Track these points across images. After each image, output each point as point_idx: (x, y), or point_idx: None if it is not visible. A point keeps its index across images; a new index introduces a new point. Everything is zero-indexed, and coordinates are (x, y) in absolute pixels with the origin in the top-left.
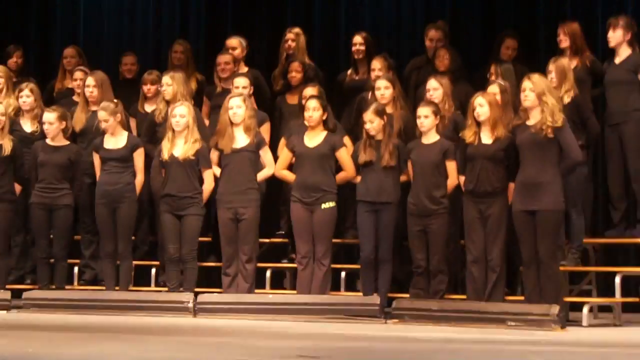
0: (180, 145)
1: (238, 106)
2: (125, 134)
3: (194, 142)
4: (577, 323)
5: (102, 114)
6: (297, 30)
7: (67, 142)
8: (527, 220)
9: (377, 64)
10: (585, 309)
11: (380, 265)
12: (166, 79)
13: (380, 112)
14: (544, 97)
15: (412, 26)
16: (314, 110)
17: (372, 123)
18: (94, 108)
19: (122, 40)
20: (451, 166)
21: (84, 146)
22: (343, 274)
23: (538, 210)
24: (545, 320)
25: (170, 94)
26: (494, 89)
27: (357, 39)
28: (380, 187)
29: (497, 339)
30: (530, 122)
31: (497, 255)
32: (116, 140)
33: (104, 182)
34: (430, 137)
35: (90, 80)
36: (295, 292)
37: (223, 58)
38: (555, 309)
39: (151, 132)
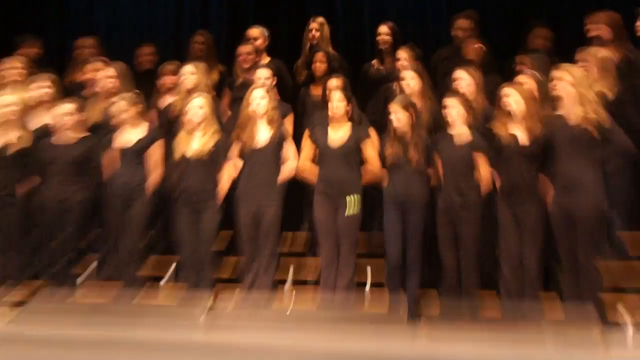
0: (198, 138)
1: (262, 97)
2: (144, 125)
3: (212, 134)
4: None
5: (122, 105)
6: (321, 19)
7: (86, 134)
8: (565, 222)
9: (403, 54)
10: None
11: (409, 267)
12: (189, 68)
13: (406, 105)
14: (581, 88)
15: (439, 15)
16: (338, 102)
17: (396, 114)
18: (113, 99)
19: (138, 31)
20: (482, 160)
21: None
22: (369, 268)
23: (577, 211)
24: (582, 321)
25: (192, 83)
26: (524, 79)
27: (383, 28)
28: (408, 188)
29: (531, 338)
30: (566, 115)
31: (532, 256)
32: (135, 132)
33: (120, 176)
34: (458, 129)
35: (111, 71)
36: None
37: (244, 49)
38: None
39: (169, 125)
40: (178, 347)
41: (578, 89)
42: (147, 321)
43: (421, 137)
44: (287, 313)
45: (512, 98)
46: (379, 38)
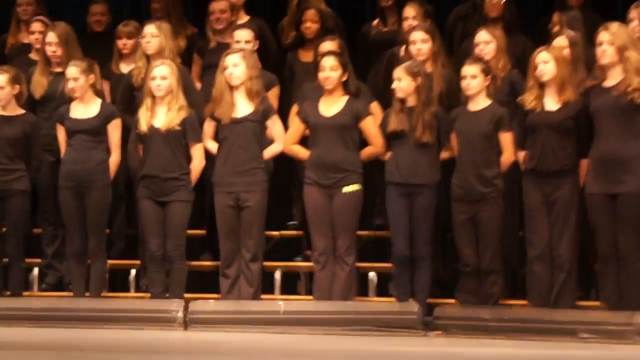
0: (162, 114)
1: (235, 65)
2: (98, 101)
3: (178, 109)
4: None
5: (71, 71)
6: None
7: (22, 112)
8: (605, 206)
9: (410, 10)
10: None
11: (417, 263)
12: (150, 28)
13: (413, 71)
14: (627, 53)
15: None
16: (330, 70)
17: (399, 81)
18: (57, 69)
19: None
20: (506, 138)
21: (44, 116)
22: (372, 274)
23: (620, 193)
24: (627, 331)
25: (155, 47)
26: (561, 41)
27: None
28: (413, 165)
29: (567, 356)
30: (609, 84)
31: (566, 250)
32: (86, 108)
33: (70, 160)
34: (479, 103)
35: (51, 36)
36: (311, 298)
37: (217, 5)
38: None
39: (128, 98)
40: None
41: (621, 51)
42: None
43: (430, 111)
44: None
45: (549, 66)
46: None
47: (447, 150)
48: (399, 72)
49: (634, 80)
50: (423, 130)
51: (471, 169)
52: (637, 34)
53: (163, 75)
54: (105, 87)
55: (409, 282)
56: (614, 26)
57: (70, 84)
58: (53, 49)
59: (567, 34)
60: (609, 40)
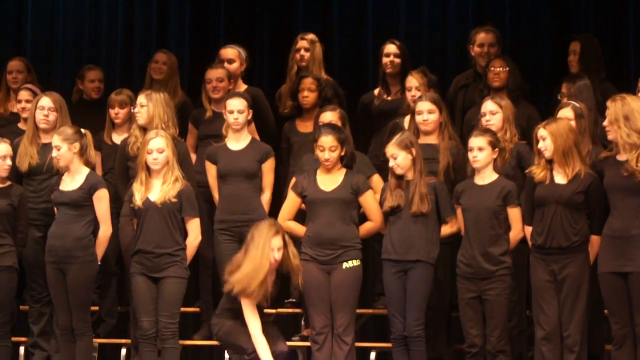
0: (157, 187)
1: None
2: (85, 171)
3: (174, 181)
4: None
5: (55, 139)
6: (311, 36)
7: (9, 183)
8: (618, 285)
9: (414, 80)
10: None
11: (410, 344)
12: (140, 98)
13: (406, 144)
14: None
15: (460, 33)
16: (330, 151)
17: (394, 159)
18: (46, 140)
19: (79, 52)
20: (514, 214)
21: (30, 189)
22: (373, 355)
23: (632, 272)
24: None
25: (144, 118)
26: (567, 113)
27: (391, 48)
28: (408, 241)
29: None
30: (621, 157)
31: (575, 331)
32: (73, 179)
33: (52, 235)
34: (487, 177)
35: (46, 101)
36: None
37: (215, 73)
38: None
39: (124, 167)
40: None
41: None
42: None
43: (426, 181)
44: None
45: (547, 142)
46: (385, 60)
47: (448, 226)
48: (392, 149)
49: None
50: (420, 201)
51: (478, 245)
52: None
53: (160, 148)
54: (97, 158)
55: None
56: (628, 99)
57: (53, 153)
58: (46, 113)
59: (573, 104)
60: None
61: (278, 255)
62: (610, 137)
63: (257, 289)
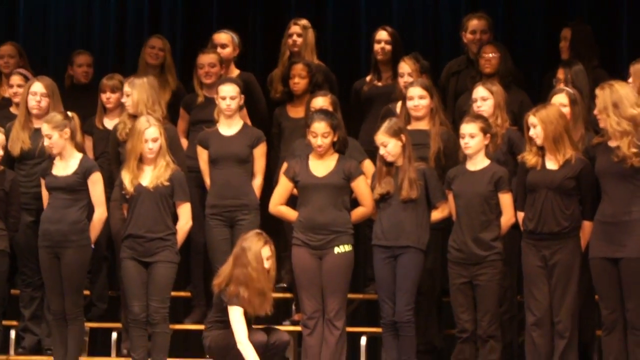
0: (148, 172)
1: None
2: (78, 156)
3: (165, 165)
4: None
5: (44, 128)
6: (304, 22)
7: (0, 168)
8: (608, 271)
9: (406, 66)
10: None
11: (399, 329)
12: (125, 87)
13: (395, 131)
14: (615, 111)
15: (453, 19)
16: (323, 138)
17: (385, 147)
18: (38, 124)
19: (72, 37)
20: (506, 199)
21: (22, 174)
22: (364, 339)
23: (622, 257)
24: None
25: (131, 106)
26: (561, 99)
27: (382, 34)
28: (398, 227)
29: None
30: (612, 144)
31: (566, 316)
32: (66, 164)
33: (46, 220)
34: (478, 162)
35: (38, 86)
36: None
37: (207, 58)
38: None
39: (116, 152)
40: None
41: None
42: None
43: (415, 167)
44: None
45: (538, 130)
46: (377, 47)
47: (438, 211)
48: (382, 138)
49: (631, 144)
50: (409, 187)
51: (469, 231)
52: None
53: (154, 137)
54: (88, 142)
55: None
56: (617, 85)
57: (45, 142)
58: (38, 99)
59: (567, 90)
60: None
61: (268, 264)
62: (601, 124)
63: (267, 305)
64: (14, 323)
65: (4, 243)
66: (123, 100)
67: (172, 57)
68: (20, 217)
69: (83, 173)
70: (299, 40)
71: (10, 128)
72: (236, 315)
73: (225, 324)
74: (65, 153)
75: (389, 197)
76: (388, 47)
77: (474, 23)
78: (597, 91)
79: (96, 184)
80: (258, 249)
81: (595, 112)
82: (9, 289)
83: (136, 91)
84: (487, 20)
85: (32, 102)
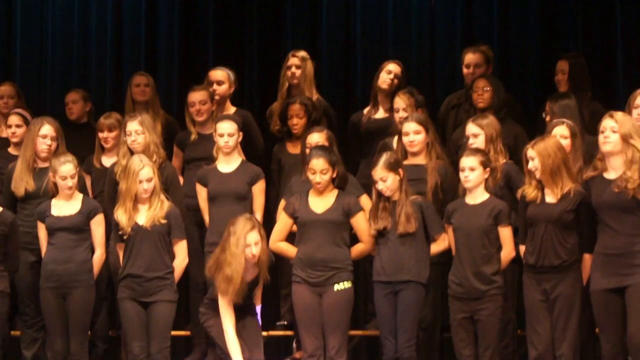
0: (143, 211)
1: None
2: (79, 196)
3: (161, 203)
4: None
5: (68, 168)
6: (302, 53)
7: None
8: (613, 302)
9: (401, 101)
10: None
11: None
12: (134, 125)
13: (393, 166)
14: (631, 141)
15: (448, 51)
16: (322, 174)
17: (384, 182)
18: (42, 165)
19: (69, 76)
20: (505, 233)
21: (26, 213)
22: None
23: (630, 285)
24: None
25: (141, 145)
26: (560, 130)
27: (395, 67)
28: (398, 261)
29: None
30: (610, 176)
31: (568, 349)
32: (68, 204)
33: (52, 260)
34: (478, 196)
35: (48, 129)
36: None
37: (197, 95)
38: None
39: (114, 192)
40: None
41: (626, 140)
42: None
43: (412, 200)
44: None
45: (536, 162)
46: (386, 77)
47: (436, 243)
48: (380, 172)
49: (634, 174)
50: (407, 221)
51: (470, 265)
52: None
53: (149, 177)
54: (87, 181)
55: None
56: (619, 114)
57: (69, 182)
58: (49, 143)
59: (567, 123)
60: (612, 127)
61: (256, 250)
62: (607, 148)
63: (234, 290)
64: None
65: (3, 284)
66: (132, 139)
67: (168, 94)
68: (19, 258)
69: (87, 213)
70: (298, 72)
71: (13, 169)
72: (223, 307)
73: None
74: (69, 192)
75: (386, 232)
76: (397, 81)
77: (469, 57)
78: (620, 116)
79: (99, 225)
80: (243, 234)
81: (611, 137)
82: (9, 329)
83: (147, 131)
84: (483, 54)
85: (42, 145)
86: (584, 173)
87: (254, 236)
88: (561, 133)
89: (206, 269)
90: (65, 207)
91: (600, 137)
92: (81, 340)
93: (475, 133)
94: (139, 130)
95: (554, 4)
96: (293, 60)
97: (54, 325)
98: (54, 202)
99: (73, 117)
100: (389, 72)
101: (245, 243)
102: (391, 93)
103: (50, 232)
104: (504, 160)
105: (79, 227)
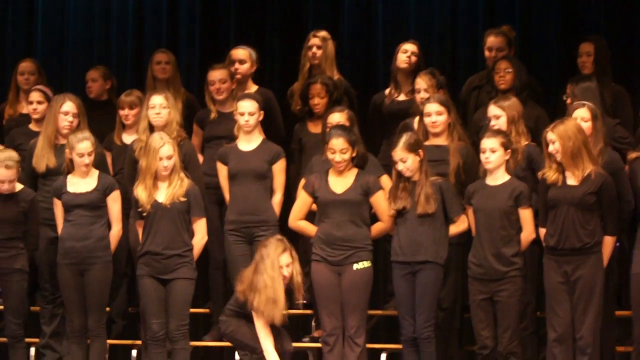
0: (163, 189)
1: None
2: (95, 173)
3: (180, 181)
4: None
5: (85, 145)
6: (323, 33)
7: (20, 187)
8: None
9: (422, 82)
10: None
11: (420, 345)
12: (159, 99)
13: (413, 146)
14: None
15: (470, 33)
16: (341, 153)
17: (404, 162)
18: (63, 141)
19: (90, 53)
20: (526, 215)
21: (46, 189)
22: (384, 356)
23: None
24: None
25: (164, 119)
26: (582, 113)
27: (410, 46)
28: (416, 242)
29: None
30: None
31: (588, 332)
32: (84, 181)
33: (69, 237)
34: (498, 177)
35: (70, 106)
36: None
37: (217, 74)
38: None
39: (134, 170)
40: None
41: None
42: None
43: (431, 180)
44: None
45: (557, 145)
46: (403, 56)
47: (455, 225)
48: (400, 153)
49: None
50: (426, 201)
51: (490, 246)
52: None
53: (169, 155)
54: (108, 158)
55: None
56: None
57: (86, 159)
58: (70, 119)
59: (588, 106)
60: None
61: (287, 272)
62: None
63: (280, 312)
64: (35, 340)
65: (22, 261)
66: (155, 112)
67: (189, 73)
68: (39, 236)
69: (104, 190)
70: (319, 52)
71: (34, 145)
72: (260, 326)
73: (243, 315)
74: (87, 170)
75: (405, 212)
76: (414, 58)
77: (491, 40)
78: None
79: (115, 202)
80: (276, 256)
81: None
82: (29, 305)
83: (172, 109)
84: (505, 37)
85: (64, 122)
86: (604, 155)
87: (285, 258)
88: (582, 115)
89: (237, 291)
90: (81, 184)
91: None
92: (99, 317)
93: (497, 114)
94: (163, 104)
95: None
96: (314, 41)
97: (72, 302)
98: (69, 178)
99: (92, 95)
100: (405, 52)
101: (279, 265)
102: (411, 73)
103: (67, 209)
104: (526, 142)
105: (95, 204)
